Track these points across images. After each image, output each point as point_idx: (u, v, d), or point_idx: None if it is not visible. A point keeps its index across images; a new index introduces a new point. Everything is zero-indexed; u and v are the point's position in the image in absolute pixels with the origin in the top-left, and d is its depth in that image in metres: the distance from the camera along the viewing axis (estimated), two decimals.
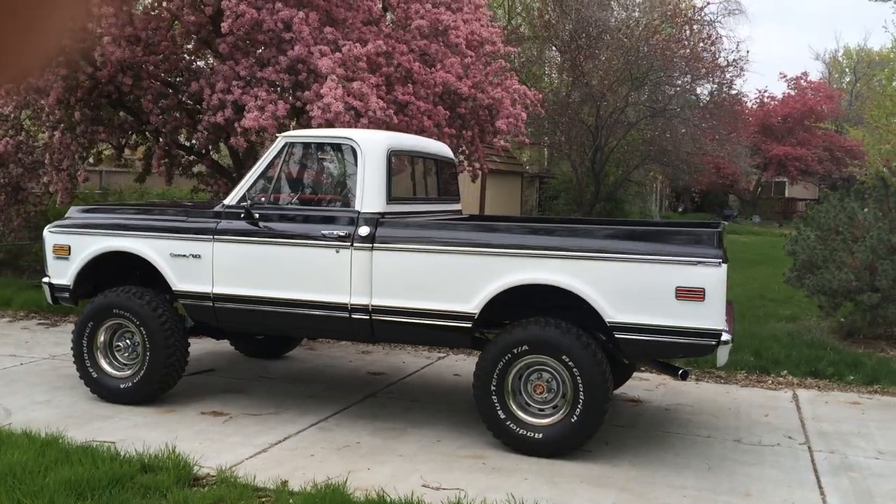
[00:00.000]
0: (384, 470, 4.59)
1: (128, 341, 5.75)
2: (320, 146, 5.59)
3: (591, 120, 18.92)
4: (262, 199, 5.44)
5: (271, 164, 5.43)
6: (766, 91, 42.53)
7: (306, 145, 5.58)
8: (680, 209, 42.66)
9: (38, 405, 5.67)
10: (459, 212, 6.59)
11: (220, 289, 5.44)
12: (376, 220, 5.14)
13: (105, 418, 5.40)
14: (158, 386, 5.65)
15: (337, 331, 5.35)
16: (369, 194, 5.19)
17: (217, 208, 5.57)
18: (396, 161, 5.53)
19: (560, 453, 4.85)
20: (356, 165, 5.25)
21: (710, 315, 4.50)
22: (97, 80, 8.68)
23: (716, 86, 20.09)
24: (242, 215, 5.38)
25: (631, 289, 4.61)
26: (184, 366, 5.77)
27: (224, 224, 5.45)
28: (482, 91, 9.66)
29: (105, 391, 5.73)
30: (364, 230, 5.10)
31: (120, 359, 5.80)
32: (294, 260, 5.25)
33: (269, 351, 7.29)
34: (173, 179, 10.30)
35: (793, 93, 37.36)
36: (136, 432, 5.10)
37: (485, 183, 18.47)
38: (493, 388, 4.88)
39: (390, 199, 5.29)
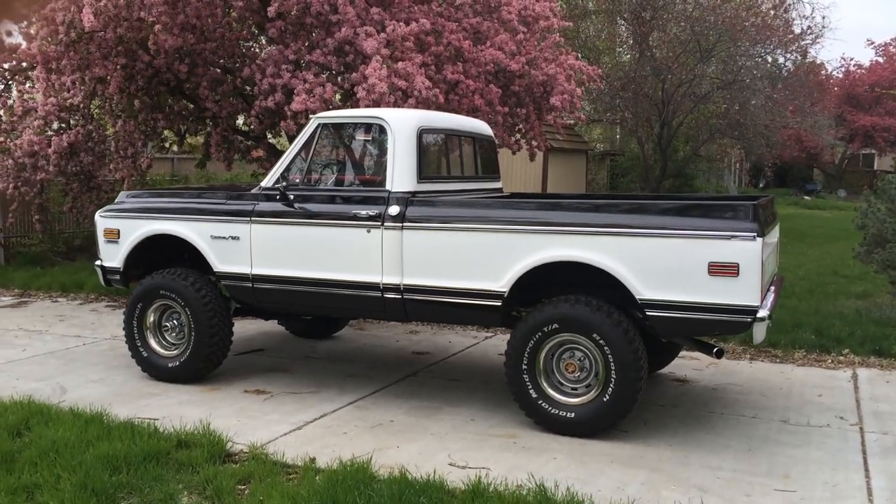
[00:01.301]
0: (413, 448, 4.61)
1: (175, 321, 5.92)
2: (352, 126, 5.61)
3: (657, 94, 18.43)
4: (297, 180, 5.50)
5: (305, 146, 5.48)
6: (851, 59, 40.58)
7: (338, 126, 5.61)
8: (761, 184, 41.29)
9: (92, 383, 5.91)
10: (500, 190, 6.52)
11: (258, 270, 5.54)
12: (407, 200, 5.13)
13: (152, 396, 5.59)
14: (203, 365, 5.80)
15: (371, 310, 5.38)
16: (399, 173, 5.19)
17: (254, 191, 5.66)
18: (429, 139, 5.51)
19: (593, 433, 4.77)
20: (386, 144, 5.25)
21: (745, 291, 4.33)
22: (156, 68, 8.93)
23: (789, 55, 19.27)
24: (278, 197, 5.46)
25: (662, 265, 4.48)
26: (228, 345, 5.91)
27: (261, 206, 5.54)
28: (536, 67, 9.52)
29: (154, 370, 5.93)
30: (394, 209, 5.10)
31: (168, 338, 5.98)
32: (328, 240, 5.29)
33: (318, 331, 7.40)
34: (233, 164, 10.52)
35: (881, 60, 35.57)
36: (180, 409, 5.27)
37: (547, 161, 18.24)
38: (524, 366, 4.84)
39: (421, 177, 5.28)
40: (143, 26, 8.24)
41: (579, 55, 13.34)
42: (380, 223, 5.11)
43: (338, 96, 8.84)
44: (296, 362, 6.58)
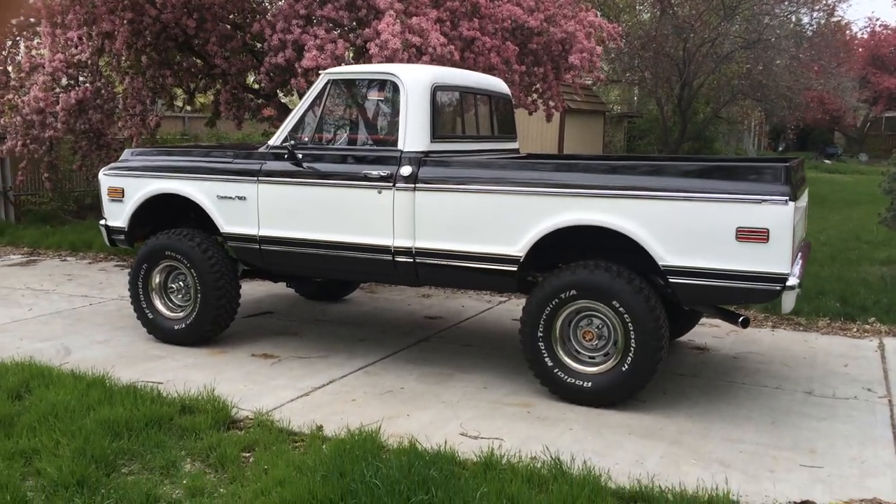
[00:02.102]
0: (424, 416, 4.46)
1: (181, 283, 5.78)
2: (363, 83, 5.38)
3: (678, 54, 17.97)
4: (306, 139, 5.30)
5: (314, 103, 5.27)
6: (878, 19, 39.61)
7: (349, 82, 5.38)
8: (780, 147, 40.62)
9: (96, 345, 5.79)
10: (517, 150, 6.29)
11: (265, 231, 5.37)
12: (419, 160, 4.92)
13: (157, 359, 5.47)
14: (210, 327, 5.67)
15: (382, 274, 5.20)
16: (412, 132, 4.97)
17: (262, 149, 5.46)
18: (443, 97, 5.27)
19: (610, 403, 4.60)
20: (399, 102, 5.02)
21: (775, 258, 4.12)
22: (163, 23, 8.69)
23: (815, 14, 18.72)
24: (286, 156, 5.26)
25: (687, 230, 4.27)
26: (235, 308, 5.77)
27: (268, 165, 5.34)
28: (555, 24, 9.20)
29: (160, 332, 5.80)
30: (406, 170, 4.89)
31: (174, 300, 5.85)
32: (337, 201, 5.10)
33: (329, 294, 7.25)
34: (244, 123, 10.31)
35: None
36: (185, 373, 5.14)
37: (563, 122, 17.90)
38: (539, 334, 4.66)
39: (435, 137, 5.05)
40: None
41: (598, 13, 12.93)
42: (391, 184, 4.91)
43: (350, 53, 8.57)
44: (305, 326, 6.43)
